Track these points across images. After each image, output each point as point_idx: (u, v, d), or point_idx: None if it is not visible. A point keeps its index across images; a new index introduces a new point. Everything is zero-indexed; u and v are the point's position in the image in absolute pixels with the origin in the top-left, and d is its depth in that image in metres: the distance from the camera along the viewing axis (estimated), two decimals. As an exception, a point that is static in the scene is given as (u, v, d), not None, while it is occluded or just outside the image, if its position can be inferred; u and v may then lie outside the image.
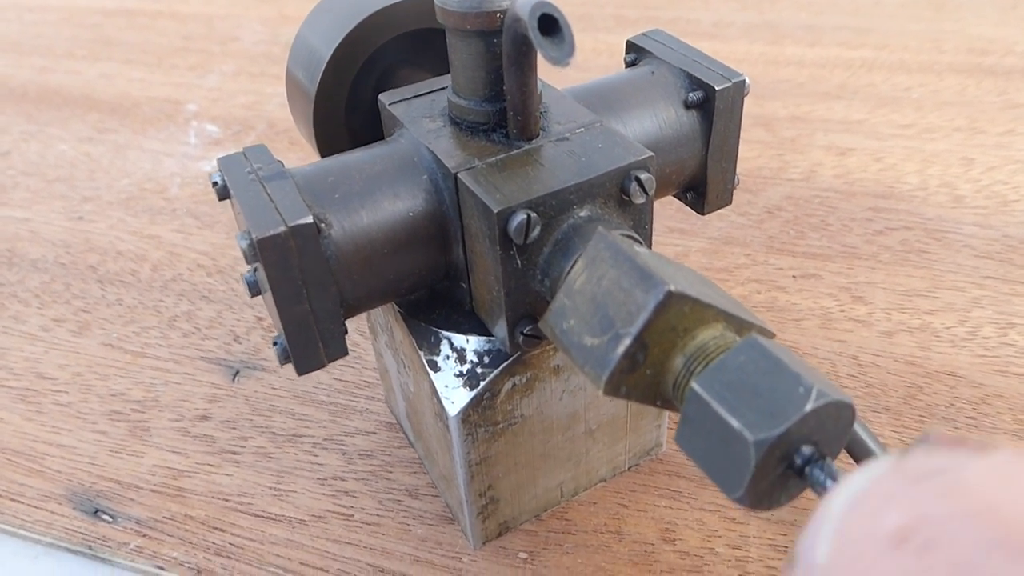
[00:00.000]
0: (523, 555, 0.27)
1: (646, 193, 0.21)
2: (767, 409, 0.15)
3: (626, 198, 0.21)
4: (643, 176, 0.20)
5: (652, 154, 0.21)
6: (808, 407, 0.15)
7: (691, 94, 0.25)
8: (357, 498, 0.30)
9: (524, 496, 0.27)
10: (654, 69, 0.25)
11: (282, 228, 0.19)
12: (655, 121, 0.25)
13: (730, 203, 0.27)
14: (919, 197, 0.42)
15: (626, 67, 0.27)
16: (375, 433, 0.32)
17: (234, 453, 0.32)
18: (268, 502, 0.30)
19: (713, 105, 0.24)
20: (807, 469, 0.15)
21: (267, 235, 0.19)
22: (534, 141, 0.21)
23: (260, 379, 0.35)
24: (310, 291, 0.20)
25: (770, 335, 0.19)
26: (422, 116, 0.23)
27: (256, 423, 0.33)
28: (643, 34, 0.27)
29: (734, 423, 0.15)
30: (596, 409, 0.26)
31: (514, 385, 0.23)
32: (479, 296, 0.22)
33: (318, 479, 0.31)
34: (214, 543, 0.29)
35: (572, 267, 0.19)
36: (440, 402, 0.23)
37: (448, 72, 0.26)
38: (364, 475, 0.31)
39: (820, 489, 0.15)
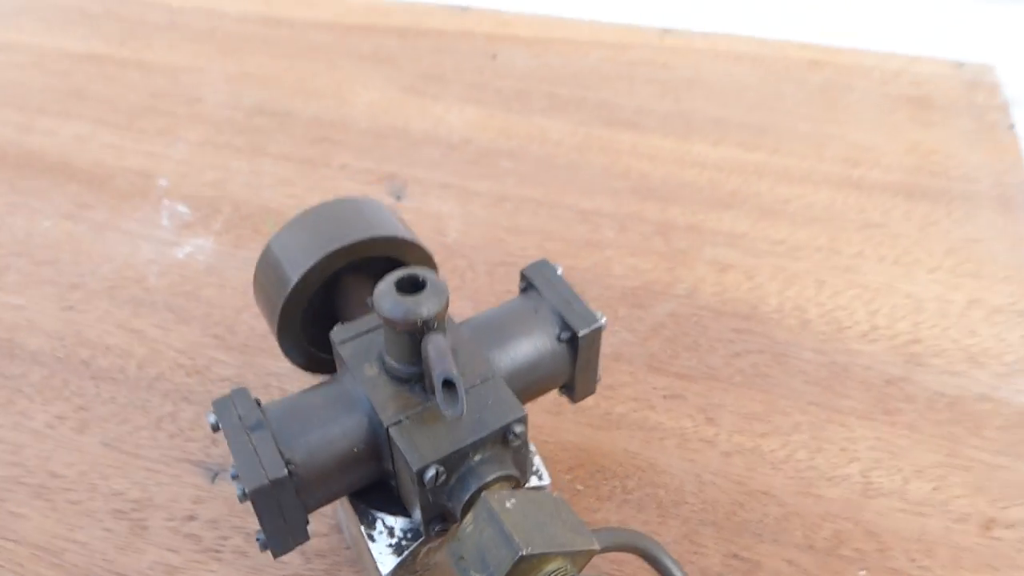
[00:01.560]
0: (438, 644, 0.37)
1: (520, 439, 0.30)
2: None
3: (506, 442, 0.30)
4: (518, 429, 0.30)
5: (525, 412, 0.30)
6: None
7: (562, 332, 0.34)
8: (315, 594, 0.39)
9: (439, 607, 0.36)
10: (537, 307, 0.34)
11: (266, 481, 0.28)
12: (535, 349, 0.34)
13: (594, 392, 0.37)
14: (774, 319, 0.52)
15: (520, 292, 0.36)
16: (327, 535, 0.41)
17: (217, 551, 0.41)
18: (245, 596, 0.39)
19: (578, 342, 0.33)
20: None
21: (255, 487, 0.27)
22: (443, 395, 0.30)
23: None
24: (284, 511, 0.29)
25: (591, 551, 0.28)
26: (363, 361, 0.32)
27: (233, 523, 0.42)
28: (532, 264, 0.36)
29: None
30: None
31: (429, 548, 0.33)
32: (404, 496, 0.31)
33: (285, 576, 0.40)
34: (205, 631, 0.38)
35: (465, 512, 0.28)
36: (375, 561, 0.32)
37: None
38: (319, 573, 0.40)
39: None
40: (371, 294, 0.35)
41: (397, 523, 0.32)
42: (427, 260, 0.37)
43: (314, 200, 0.62)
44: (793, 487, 0.43)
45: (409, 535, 0.32)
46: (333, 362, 0.38)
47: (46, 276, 0.57)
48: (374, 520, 0.33)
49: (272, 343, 0.51)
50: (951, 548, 0.40)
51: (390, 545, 0.32)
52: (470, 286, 0.55)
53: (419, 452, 0.28)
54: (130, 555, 0.41)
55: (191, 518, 0.42)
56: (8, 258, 0.58)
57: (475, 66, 0.79)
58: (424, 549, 0.32)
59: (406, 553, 0.32)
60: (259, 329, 0.52)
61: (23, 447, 0.46)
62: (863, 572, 0.39)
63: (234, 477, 0.28)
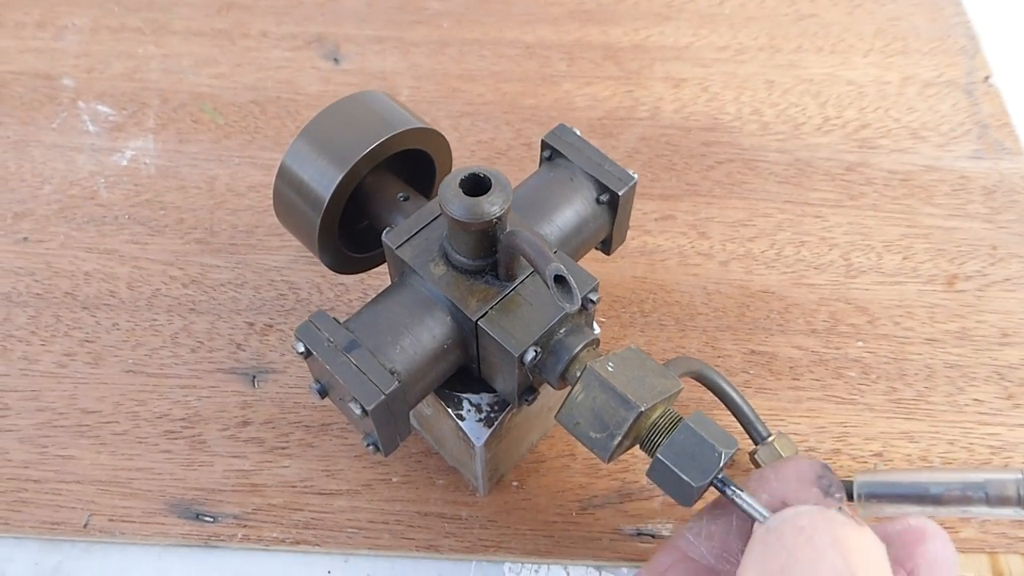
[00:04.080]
0: (515, 484, 0.42)
1: (595, 305, 0.32)
2: (700, 467, 0.29)
3: (585, 309, 0.32)
4: (594, 297, 0.32)
5: (598, 280, 0.32)
6: (721, 463, 0.29)
7: (601, 195, 0.35)
8: (389, 465, 0.42)
9: (514, 457, 0.40)
10: (572, 176, 0.35)
11: (382, 397, 0.29)
12: (577, 215, 0.35)
13: (624, 241, 0.39)
14: (736, 127, 0.54)
15: (542, 161, 0.37)
16: (384, 412, 0.44)
17: (283, 448, 0.43)
18: (325, 482, 0.42)
19: (618, 201, 0.35)
20: (723, 488, 0.29)
21: (374, 405, 0.29)
22: (516, 280, 0.32)
23: (276, 380, 0.45)
24: (395, 416, 0.31)
25: (680, 390, 0.32)
26: (427, 260, 0.32)
27: (290, 420, 0.44)
28: (552, 132, 0.36)
29: (685, 478, 0.29)
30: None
31: (513, 414, 0.36)
32: (489, 375, 0.34)
33: (355, 456, 0.43)
34: (299, 520, 0.41)
35: (572, 381, 0.31)
36: (468, 437, 0.35)
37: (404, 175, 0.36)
38: (388, 447, 0.43)
39: (731, 497, 0.29)
40: (399, 188, 0.36)
41: (482, 399, 0.35)
42: (442, 141, 0.37)
43: (247, 79, 0.58)
44: (788, 281, 0.47)
45: (496, 407, 0.35)
46: (363, 261, 0.39)
47: (-18, 210, 0.52)
48: (460, 401, 0.35)
49: (260, 237, 0.51)
50: (925, 307, 0.46)
51: (480, 420, 0.35)
52: (439, 143, 0.54)
53: (515, 338, 0.30)
54: (199, 470, 0.42)
55: (245, 423, 0.44)
56: (-72, 198, 0.53)
57: None
58: (510, 416, 0.36)
59: (495, 424, 0.35)
60: (240, 225, 0.51)
61: (42, 391, 0.45)
62: (860, 343, 0.45)
63: (348, 400, 0.30)
